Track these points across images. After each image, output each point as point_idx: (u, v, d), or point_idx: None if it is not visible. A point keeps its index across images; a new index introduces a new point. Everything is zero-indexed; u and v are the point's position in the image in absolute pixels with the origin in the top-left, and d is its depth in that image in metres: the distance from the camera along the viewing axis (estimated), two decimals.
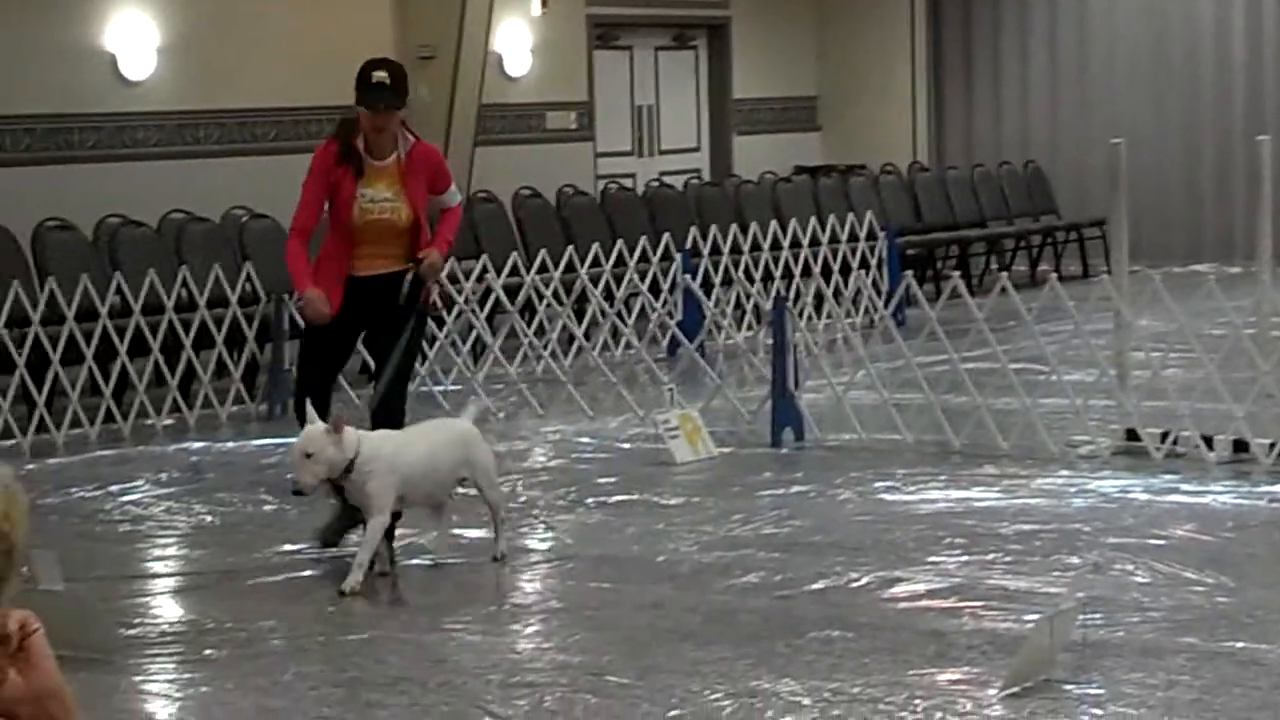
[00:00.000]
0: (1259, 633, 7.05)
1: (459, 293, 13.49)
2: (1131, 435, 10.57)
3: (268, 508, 9.94)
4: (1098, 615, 7.23)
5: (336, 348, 8.98)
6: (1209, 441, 10.29)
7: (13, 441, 11.48)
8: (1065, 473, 10.16)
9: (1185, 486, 9.71)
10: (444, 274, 10.92)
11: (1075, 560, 8.25)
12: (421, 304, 8.88)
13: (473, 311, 13.60)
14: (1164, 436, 10.45)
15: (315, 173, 8.70)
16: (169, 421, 12.36)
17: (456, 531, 9.01)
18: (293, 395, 9.28)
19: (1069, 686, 6.43)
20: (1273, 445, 10.06)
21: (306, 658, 7.11)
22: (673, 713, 6.26)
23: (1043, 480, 9.98)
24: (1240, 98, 20.61)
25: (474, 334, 13.74)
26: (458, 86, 17.27)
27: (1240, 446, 10.25)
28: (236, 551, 8.92)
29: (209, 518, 9.72)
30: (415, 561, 8.64)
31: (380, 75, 8.65)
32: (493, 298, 13.71)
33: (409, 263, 8.77)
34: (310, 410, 8.11)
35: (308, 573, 8.52)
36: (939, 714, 6.19)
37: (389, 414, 8.74)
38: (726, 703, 6.36)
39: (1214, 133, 20.79)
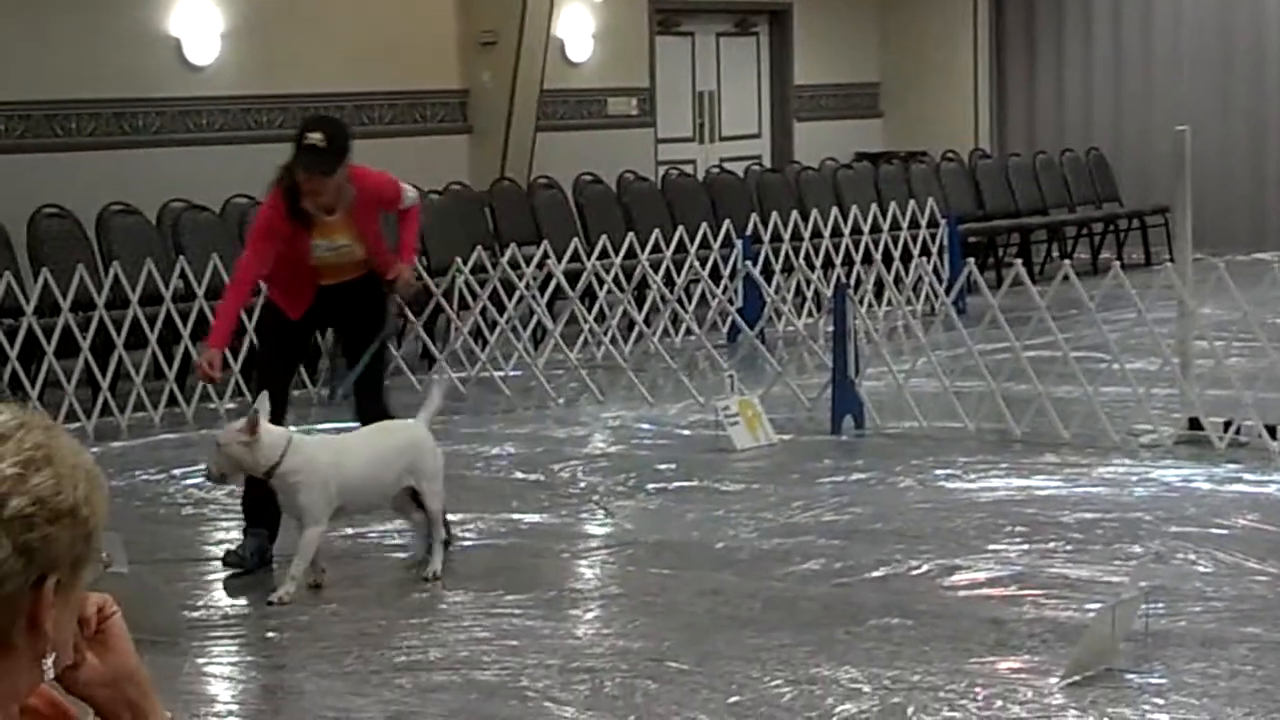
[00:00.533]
0: None
1: (520, 278, 13.52)
2: (1194, 424, 10.52)
3: None
4: (1160, 604, 7.19)
5: (298, 348, 8.82)
6: (1272, 431, 10.23)
7: (77, 425, 11.55)
8: (1127, 462, 10.12)
9: (1248, 476, 9.66)
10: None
11: (1137, 549, 8.22)
12: (394, 314, 8.91)
13: (533, 297, 13.62)
14: (1227, 426, 10.40)
15: (262, 232, 8.36)
16: (231, 405, 12.41)
17: (516, 516, 9.04)
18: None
19: (1130, 676, 6.42)
20: None
21: (368, 641, 7.14)
22: (732, 699, 6.28)
23: (1104, 469, 9.95)
24: None
25: (535, 319, 13.77)
26: (519, 72, 17.28)
27: None
28: (298, 535, 8.95)
29: None
30: (476, 543, 8.67)
31: (315, 137, 8.30)
32: (553, 283, 13.73)
33: (372, 269, 8.60)
34: (264, 405, 7.83)
35: (371, 557, 8.56)
36: (999, 702, 6.20)
37: (376, 419, 8.52)
38: (786, 689, 6.37)
39: (1269, 117, 20.66)
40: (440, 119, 17.42)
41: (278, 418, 7.98)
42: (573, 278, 13.64)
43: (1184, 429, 10.56)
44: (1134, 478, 9.72)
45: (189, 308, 12.54)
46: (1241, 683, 6.34)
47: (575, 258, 14.19)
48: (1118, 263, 11.85)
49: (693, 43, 20.28)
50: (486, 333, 13.67)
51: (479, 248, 14.14)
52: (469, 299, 13.64)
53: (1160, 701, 6.16)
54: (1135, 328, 12.54)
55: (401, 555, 8.56)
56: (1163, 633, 6.90)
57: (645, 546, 8.62)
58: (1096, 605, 6.95)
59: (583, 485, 9.98)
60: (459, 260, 13.63)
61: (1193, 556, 8.06)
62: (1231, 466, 9.88)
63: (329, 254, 8.41)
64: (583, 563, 8.54)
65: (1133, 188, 20.82)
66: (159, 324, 12.39)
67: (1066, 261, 11.99)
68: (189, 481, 10.25)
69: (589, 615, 7.57)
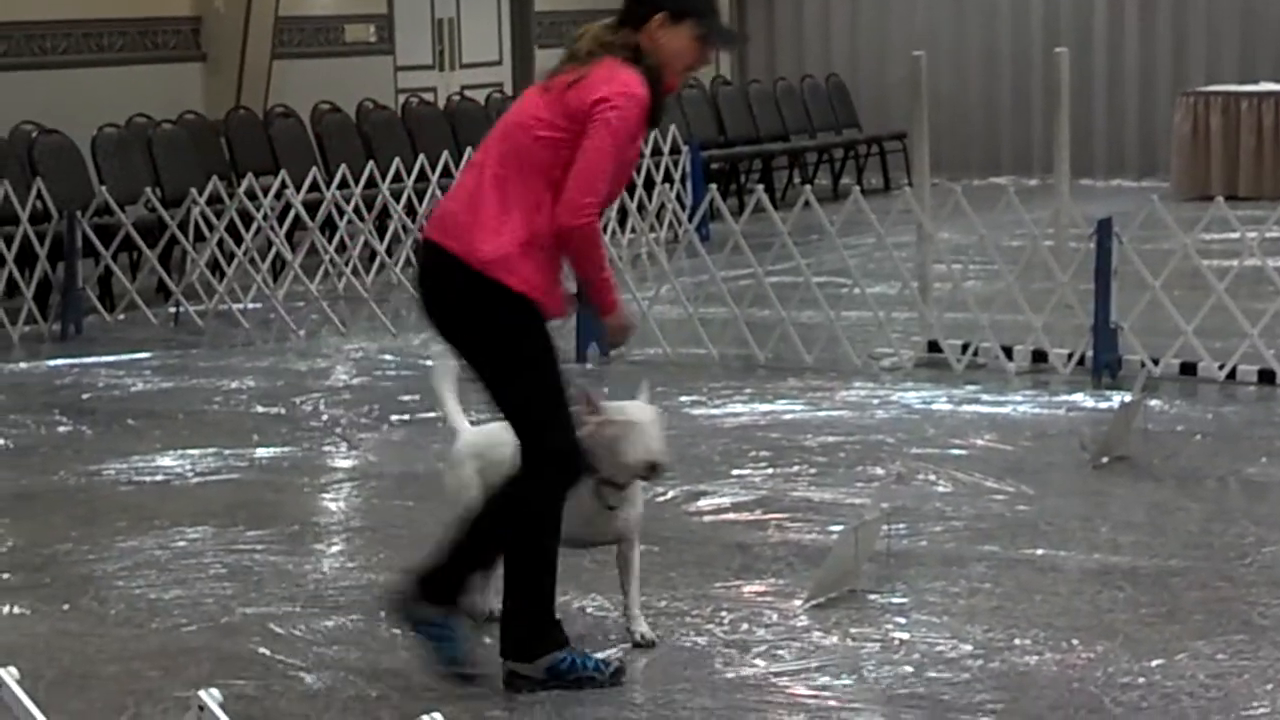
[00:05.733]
0: (1058, 540, 7.17)
1: (258, 209, 13.32)
2: (933, 347, 10.69)
3: (62, 429, 9.76)
4: (901, 525, 7.29)
5: None
6: (1009, 352, 10.44)
7: None
8: (869, 385, 10.25)
9: (985, 397, 9.84)
10: None
11: (879, 471, 8.33)
12: None
13: (271, 228, 13.42)
14: (965, 348, 10.59)
15: (628, 135, 5.52)
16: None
17: (258, 452, 8.94)
18: (564, 450, 5.61)
19: (873, 596, 6.50)
20: (1071, 355, 10.22)
21: (104, 581, 6.99)
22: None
23: (846, 393, 10.06)
24: (1038, 13, 20.83)
25: (273, 251, 13.56)
26: None
27: (1039, 357, 10.41)
28: (31, 474, 8.75)
29: (2, 440, 9.52)
30: (215, 478, 8.53)
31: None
32: (292, 214, 13.52)
33: None
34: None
35: (103, 494, 8.38)
36: (745, 625, 6.24)
37: None
38: None
39: (1012, 46, 21.01)
40: (173, 46, 17.08)
41: None
42: (312, 208, 13.45)
43: (923, 352, 10.73)
44: (875, 401, 9.85)
45: None
46: (981, 600, 6.45)
47: (314, 188, 13.98)
48: (857, 188, 11.95)
49: None
50: (224, 265, 13.45)
51: (214, 178, 13.87)
52: (205, 231, 13.40)
53: (902, 620, 6.25)
54: (875, 252, 12.70)
55: (120, 497, 8.38)
56: (904, 553, 7.00)
57: (390, 479, 8.55)
58: (839, 527, 7.01)
59: (325, 418, 9.88)
60: (194, 191, 13.37)
61: (933, 477, 8.19)
62: (970, 388, 10.05)
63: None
64: (326, 496, 8.44)
65: (872, 114, 21.05)
66: None
67: (807, 187, 12.07)
68: None
69: (333, 549, 7.49)
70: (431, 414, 9.82)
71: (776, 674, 5.78)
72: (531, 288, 5.42)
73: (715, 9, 5.74)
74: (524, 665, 5.62)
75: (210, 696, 3.55)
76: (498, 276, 5.38)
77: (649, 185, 16.03)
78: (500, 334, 5.46)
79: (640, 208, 14.26)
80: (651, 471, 5.92)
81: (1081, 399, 9.67)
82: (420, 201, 13.99)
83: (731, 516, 7.68)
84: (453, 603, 5.66)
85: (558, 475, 5.56)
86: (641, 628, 6.03)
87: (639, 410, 5.94)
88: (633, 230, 14.16)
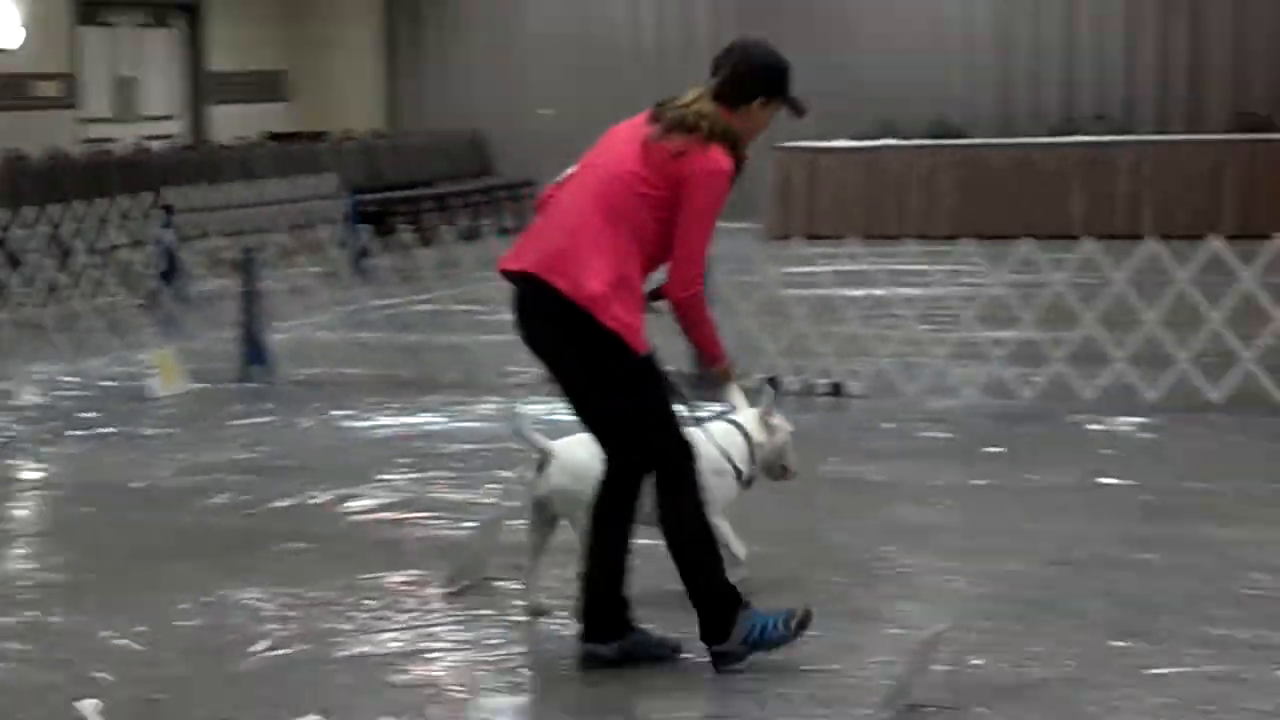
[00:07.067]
0: (656, 532, 7.23)
1: None
2: None
3: None
4: (524, 521, 7.30)
5: None
6: None
7: None
8: (499, 400, 10.27)
9: None
10: None
11: (507, 474, 8.34)
12: None
13: None
14: None
15: (719, 207, 5.46)
16: None
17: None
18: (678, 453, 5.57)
19: (499, 582, 6.50)
20: (676, 370, 10.33)
21: None
22: (139, 627, 6.06)
23: (480, 406, 10.07)
24: (652, 75, 21.09)
25: None
26: None
27: None
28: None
29: None
30: None
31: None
32: None
33: None
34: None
35: None
36: (386, 611, 6.20)
37: None
38: (193, 610, 6.23)
39: (629, 106, 21.20)
40: None
41: None
42: None
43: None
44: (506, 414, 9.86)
45: None
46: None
47: (4, 227, 13.55)
48: (492, 229, 12.00)
49: (113, 33, 19.62)
50: None
51: None
52: None
53: (523, 603, 6.25)
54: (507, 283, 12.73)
55: None
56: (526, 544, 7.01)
57: (69, 488, 8.33)
58: (472, 523, 7.02)
59: (11, 434, 9.56)
60: None
61: None
62: None
63: None
64: (11, 504, 8.16)
65: (506, 163, 21.12)
66: None
67: (450, 227, 12.08)
68: None
69: (16, 553, 7.25)
70: (109, 429, 9.62)
71: (410, 653, 5.76)
72: (622, 327, 5.31)
73: (788, 85, 5.60)
74: (725, 644, 5.48)
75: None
76: (594, 312, 5.28)
77: (311, 225, 15.90)
78: (603, 362, 5.36)
79: (304, 245, 14.11)
80: (791, 476, 6.35)
81: (681, 410, 9.77)
82: (100, 238, 13.64)
83: (378, 516, 7.63)
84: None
85: (685, 462, 5.48)
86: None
87: (785, 423, 6.26)
88: (297, 265, 14.01)
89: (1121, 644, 5.70)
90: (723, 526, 5.98)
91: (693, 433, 5.80)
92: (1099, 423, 9.17)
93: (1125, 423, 9.18)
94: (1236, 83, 19.18)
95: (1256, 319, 9.91)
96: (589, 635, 5.59)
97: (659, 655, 5.60)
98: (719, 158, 5.41)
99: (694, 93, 5.53)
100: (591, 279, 5.32)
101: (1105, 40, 19.53)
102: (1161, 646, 5.66)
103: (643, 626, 5.64)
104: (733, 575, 5.65)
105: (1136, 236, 11.15)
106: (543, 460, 5.97)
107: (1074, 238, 11.04)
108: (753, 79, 5.51)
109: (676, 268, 5.40)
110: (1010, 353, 10.16)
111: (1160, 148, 17.89)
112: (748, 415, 6.21)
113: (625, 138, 5.59)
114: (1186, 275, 9.76)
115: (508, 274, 5.51)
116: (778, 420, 6.24)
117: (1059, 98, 19.70)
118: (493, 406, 10.03)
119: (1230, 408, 9.33)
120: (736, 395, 6.17)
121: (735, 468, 6.13)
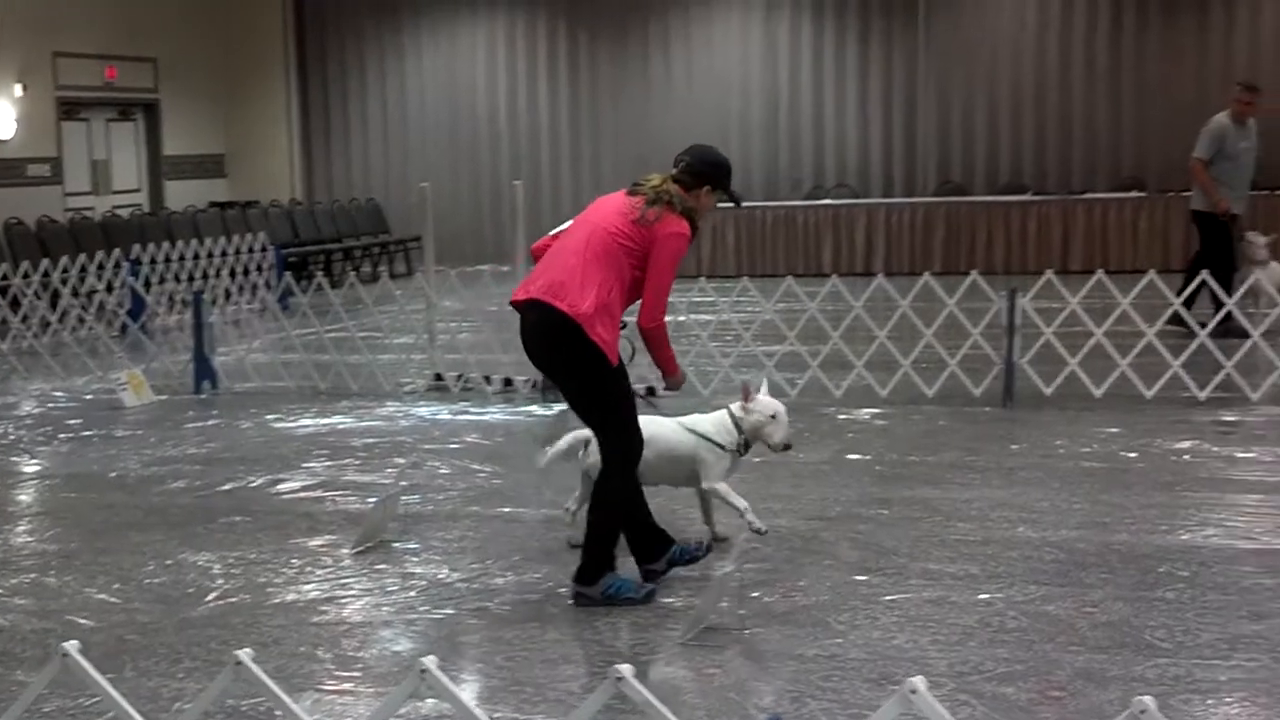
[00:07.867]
0: (519, 501, 7.26)
1: None
2: (439, 377, 10.69)
3: None
4: (416, 496, 7.28)
5: None
6: (488, 379, 10.51)
7: None
8: (395, 403, 10.19)
9: (472, 409, 9.89)
10: None
11: (401, 460, 8.29)
12: None
13: None
14: (459, 377, 10.62)
15: (679, 261, 5.56)
16: None
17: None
18: (633, 444, 5.58)
19: (396, 545, 6.47)
20: (526, 381, 10.36)
21: None
22: (116, 584, 5.96)
23: (381, 410, 9.97)
24: (505, 156, 21.04)
25: None
26: None
27: (508, 383, 10.52)
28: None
29: None
30: None
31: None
32: None
33: None
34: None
35: None
36: (309, 568, 6.13)
37: None
38: (158, 570, 6.12)
39: (488, 176, 21.17)
40: None
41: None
42: (1, 291, 12.62)
43: (432, 381, 10.72)
44: (400, 414, 9.79)
45: None
46: (468, 543, 6.49)
47: (5, 277, 13.16)
48: (387, 273, 11.87)
49: (89, 126, 19.15)
50: None
51: None
52: None
53: (415, 559, 6.24)
54: (399, 315, 12.64)
55: None
56: (416, 514, 6.99)
57: (60, 477, 8.11)
58: (374, 499, 6.97)
59: (13, 436, 9.30)
60: None
61: (437, 463, 8.19)
62: (462, 404, 10.08)
63: None
64: (14, 491, 7.92)
65: (397, 223, 20.94)
66: None
67: (354, 273, 11.95)
68: None
69: (19, 529, 7.05)
70: (90, 432, 9.39)
71: (327, 599, 5.71)
72: (602, 342, 5.35)
73: (729, 180, 5.70)
74: (589, 589, 5.48)
75: None
76: (587, 328, 5.31)
77: (246, 272, 15.63)
78: (587, 367, 5.37)
79: (241, 288, 13.84)
80: (785, 449, 6.07)
81: (535, 410, 9.81)
82: (82, 284, 13.29)
83: (302, 495, 7.53)
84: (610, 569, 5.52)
85: (628, 461, 5.52)
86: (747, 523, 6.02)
87: (778, 406, 6.05)
88: (234, 303, 13.75)
89: (863, 578, 5.80)
90: (721, 487, 6.09)
91: (686, 421, 6.09)
92: (846, 413, 9.32)
93: (864, 412, 9.33)
94: (941, 157, 19.57)
95: (958, 334, 10.14)
96: (641, 559, 5.68)
97: (695, 557, 5.75)
98: (681, 225, 5.51)
99: (659, 177, 5.65)
100: (583, 302, 5.37)
101: (845, 125, 19.81)
102: (892, 579, 5.77)
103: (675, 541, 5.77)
104: (740, 525, 5.88)
105: (870, 274, 11.33)
106: (586, 445, 6.01)
107: (825, 275, 11.19)
108: (704, 171, 5.62)
109: (646, 305, 5.51)
110: (778, 361, 10.29)
111: (888, 207, 18.22)
112: (735, 405, 6.20)
113: (612, 205, 5.63)
114: (906, 302, 9.96)
115: (517, 304, 5.55)
116: (758, 405, 6.09)
117: (812, 166, 19.93)
118: (390, 409, 9.96)
119: (940, 400, 9.53)
120: (762, 393, 6.16)
121: (720, 445, 6.10)
